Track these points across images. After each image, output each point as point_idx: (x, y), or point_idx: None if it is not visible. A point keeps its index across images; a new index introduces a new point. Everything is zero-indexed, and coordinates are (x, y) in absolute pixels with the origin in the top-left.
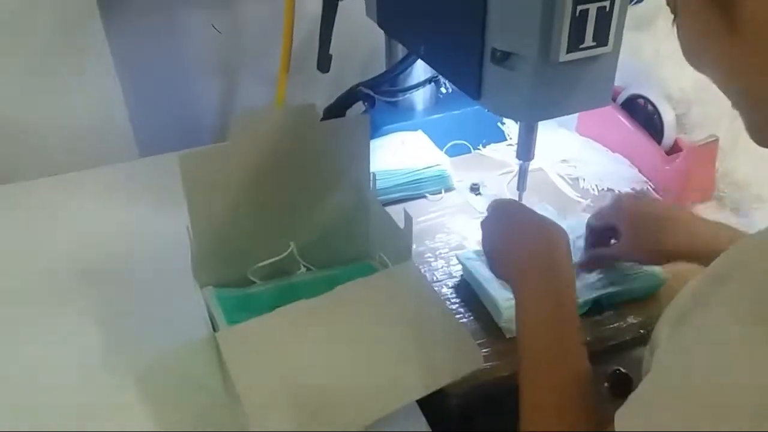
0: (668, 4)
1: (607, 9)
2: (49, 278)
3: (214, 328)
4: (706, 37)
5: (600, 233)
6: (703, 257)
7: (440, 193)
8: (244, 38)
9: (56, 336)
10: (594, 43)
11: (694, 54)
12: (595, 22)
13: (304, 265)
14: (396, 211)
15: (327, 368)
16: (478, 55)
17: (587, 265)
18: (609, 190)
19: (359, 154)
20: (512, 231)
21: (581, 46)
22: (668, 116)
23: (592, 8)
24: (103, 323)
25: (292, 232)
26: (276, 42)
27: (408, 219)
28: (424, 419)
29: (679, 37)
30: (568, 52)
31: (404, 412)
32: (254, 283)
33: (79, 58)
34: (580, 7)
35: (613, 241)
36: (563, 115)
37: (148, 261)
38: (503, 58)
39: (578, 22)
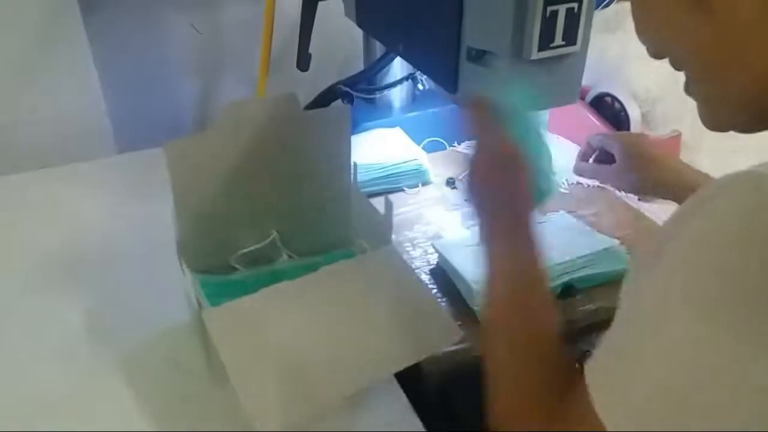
0: None
1: (576, 10)
2: (28, 271)
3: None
4: (674, 12)
5: (597, 154)
6: (682, 197)
7: (417, 186)
8: (224, 38)
9: (40, 324)
10: (563, 42)
11: (655, 29)
12: (565, 22)
13: (287, 253)
14: (376, 203)
15: (311, 343)
16: (454, 52)
17: (579, 171)
18: (578, 184)
19: (340, 143)
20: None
21: (551, 45)
22: (634, 113)
23: (562, 9)
24: (87, 312)
25: (274, 219)
26: (255, 42)
27: (388, 205)
28: (405, 398)
29: (640, 12)
30: (539, 51)
31: (385, 391)
32: (237, 270)
33: (59, 55)
34: (550, 8)
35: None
36: (534, 110)
37: (129, 252)
38: (478, 55)
39: (548, 23)
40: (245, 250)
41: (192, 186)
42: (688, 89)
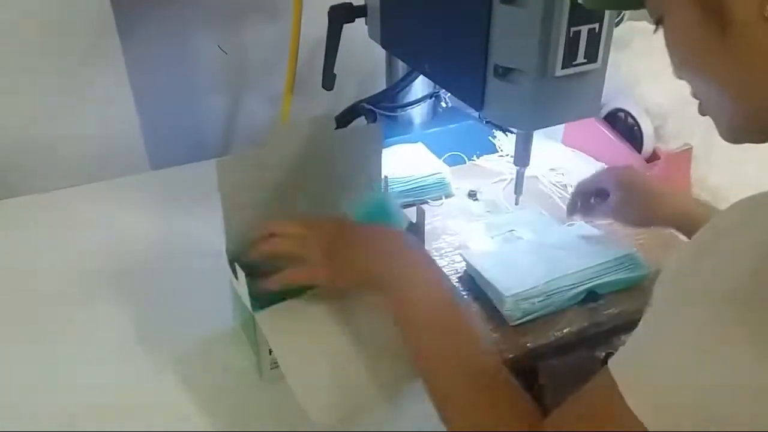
0: (649, 11)
1: (597, 30)
2: (74, 283)
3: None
4: (694, 37)
5: (590, 195)
6: (681, 225)
7: (441, 198)
8: (250, 57)
9: (95, 330)
10: (585, 60)
11: (680, 56)
12: (587, 41)
13: None
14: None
15: (356, 342)
16: (481, 70)
17: (570, 212)
18: None
19: (373, 159)
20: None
21: (574, 63)
22: (647, 128)
23: (584, 30)
24: (137, 318)
25: None
26: (279, 61)
27: (421, 213)
28: None
29: (666, 39)
30: (563, 68)
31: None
32: None
33: (97, 75)
34: (573, 29)
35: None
36: (558, 123)
37: (171, 262)
38: (505, 72)
39: (572, 42)
40: None
41: (240, 200)
42: (702, 111)
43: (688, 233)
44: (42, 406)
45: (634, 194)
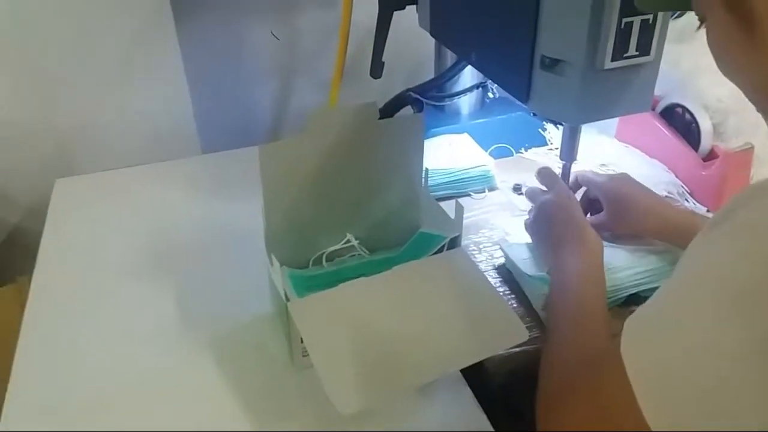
0: (696, 12)
1: (651, 21)
2: (123, 261)
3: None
4: (728, 43)
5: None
6: (671, 237)
7: (484, 191)
8: (301, 44)
9: (136, 309)
10: (637, 53)
11: (720, 60)
12: (639, 33)
13: (363, 252)
14: (443, 207)
15: (386, 334)
16: (528, 61)
17: None
18: None
19: (414, 150)
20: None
21: (625, 55)
22: (705, 124)
23: (636, 21)
24: (177, 299)
25: (350, 222)
26: (329, 48)
27: (459, 209)
28: (470, 393)
29: (708, 43)
30: (612, 60)
31: (452, 386)
32: (315, 265)
33: (153, 58)
34: (625, 20)
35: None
36: (607, 118)
37: (214, 245)
38: (552, 64)
39: (623, 33)
40: (326, 251)
41: (280, 186)
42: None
43: (680, 246)
44: (79, 382)
45: (623, 206)
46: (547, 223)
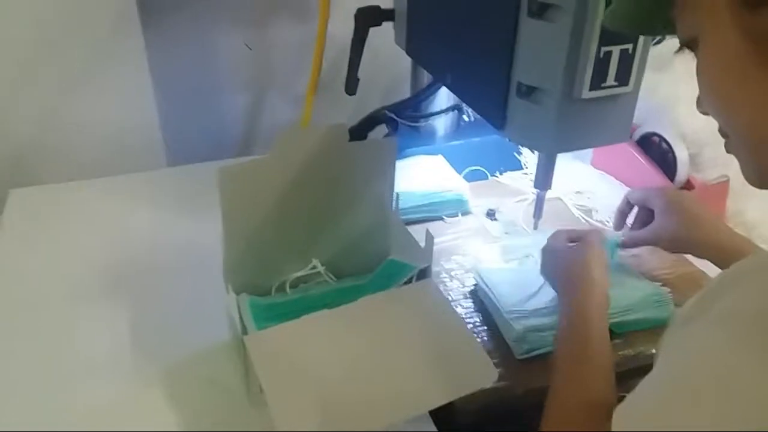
0: (680, 30)
1: (630, 51)
2: (76, 280)
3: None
4: (729, 72)
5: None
6: (720, 258)
7: (457, 216)
8: (275, 57)
9: (86, 333)
10: (616, 83)
11: (712, 91)
12: (618, 63)
13: (330, 279)
14: (414, 231)
15: (348, 374)
16: (504, 87)
17: (623, 246)
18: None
19: (385, 175)
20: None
21: (603, 85)
22: (682, 154)
23: (616, 50)
24: (131, 324)
25: (316, 246)
26: (304, 63)
27: (429, 238)
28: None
29: (697, 64)
30: (590, 90)
31: (418, 426)
32: (278, 292)
33: (118, 66)
34: (604, 49)
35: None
36: (583, 148)
37: (175, 266)
38: (528, 92)
39: (602, 63)
40: (291, 276)
41: (241, 210)
42: (729, 148)
43: (720, 266)
44: (11, 416)
45: (678, 216)
46: (557, 263)
